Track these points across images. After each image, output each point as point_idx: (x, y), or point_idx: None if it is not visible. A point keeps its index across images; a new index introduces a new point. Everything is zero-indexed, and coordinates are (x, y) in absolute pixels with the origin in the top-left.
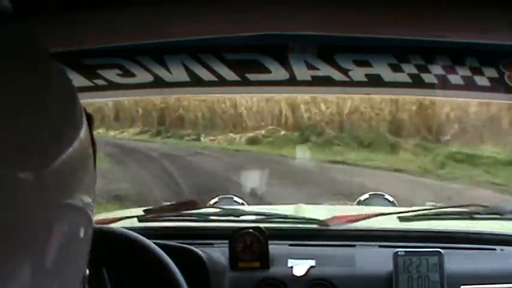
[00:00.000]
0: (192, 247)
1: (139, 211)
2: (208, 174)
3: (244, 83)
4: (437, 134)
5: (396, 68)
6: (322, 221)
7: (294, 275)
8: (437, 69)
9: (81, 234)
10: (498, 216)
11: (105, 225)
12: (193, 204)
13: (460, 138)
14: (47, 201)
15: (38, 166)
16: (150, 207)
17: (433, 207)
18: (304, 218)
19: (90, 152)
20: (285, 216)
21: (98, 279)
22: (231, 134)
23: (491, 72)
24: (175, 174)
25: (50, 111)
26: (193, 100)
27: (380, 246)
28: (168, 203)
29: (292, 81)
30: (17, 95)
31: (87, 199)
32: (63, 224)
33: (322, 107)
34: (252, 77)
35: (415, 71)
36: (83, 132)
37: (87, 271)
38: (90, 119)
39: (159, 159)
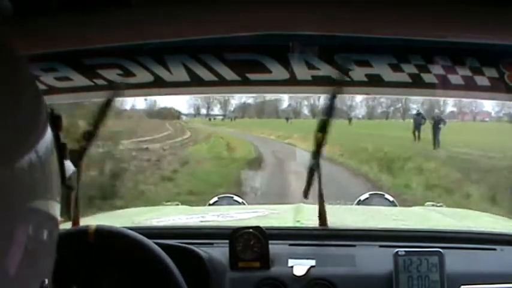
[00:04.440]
0: (192, 247)
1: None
2: None
3: (244, 83)
4: None
5: (396, 68)
6: (322, 221)
7: (294, 275)
8: (437, 69)
9: (45, 237)
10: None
11: (105, 225)
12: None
13: None
14: (8, 203)
15: None
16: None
17: (432, 206)
18: (304, 218)
19: (54, 156)
20: (285, 216)
21: (96, 279)
22: None
23: (491, 72)
24: None
25: (13, 114)
26: None
27: (380, 246)
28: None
29: (292, 81)
30: None
31: (52, 202)
32: (26, 227)
33: None
34: (252, 76)
35: (415, 71)
36: (46, 136)
37: (47, 281)
38: (57, 119)
39: None
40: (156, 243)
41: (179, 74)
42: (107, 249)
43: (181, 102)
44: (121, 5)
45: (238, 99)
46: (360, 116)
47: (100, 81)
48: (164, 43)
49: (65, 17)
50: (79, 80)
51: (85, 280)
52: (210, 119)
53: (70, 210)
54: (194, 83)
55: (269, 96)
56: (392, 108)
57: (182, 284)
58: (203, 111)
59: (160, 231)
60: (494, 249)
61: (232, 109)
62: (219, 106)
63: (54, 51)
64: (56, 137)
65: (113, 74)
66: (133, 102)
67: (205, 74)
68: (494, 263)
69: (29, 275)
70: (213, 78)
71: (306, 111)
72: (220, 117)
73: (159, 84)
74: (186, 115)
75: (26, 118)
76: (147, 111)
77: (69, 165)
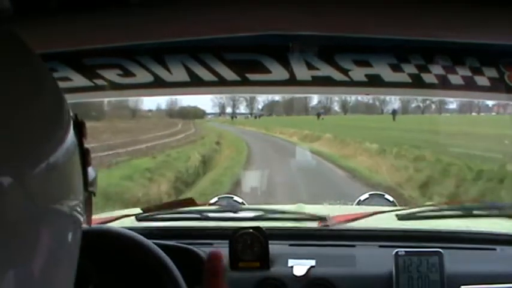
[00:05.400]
0: (192, 247)
1: (138, 211)
2: None
3: (244, 83)
4: None
5: (396, 68)
6: (322, 221)
7: (294, 275)
8: (437, 69)
9: (70, 239)
10: (496, 212)
11: (104, 225)
12: (191, 203)
13: None
14: (32, 206)
15: (20, 170)
16: (148, 206)
17: (432, 206)
18: (304, 218)
19: (77, 156)
20: (285, 216)
21: (93, 280)
22: None
23: (491, 72)
24: None
25: (35, 114)
26: None
27: (380, 246)
28: (166, 202)
29: (292, 81)
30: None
31: (75, 202)
32: (51, 229)
33: None
34: (252, 77)
35: (415, 71)
36: (69, 136)
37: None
38: (81, 125)
39: None
40: (156, 244)
41: (179, 74)
42: (99, 249)
43: (205, 100)
44: (121, 5)
45: (265, 96)
46: (389, 111)
47: (100, 81)
48: (164, 43)
49: (65, 17)
50: (79, 80)
51: (81, 282)
52: (232, 118)
53: (91, 216)
54: (194, 83)
55: (298, 94)
56: (428, 101)
57: (182, 284)
58: (229, 109)
59: (160, 231)
60: (494, 249)
61: (260, 107)
62: (245, 104)
63: (54, 51)
64: (80, 143)
65: (113, 74)
66: (155, 101)
67: (205, 74)
68: (494, 263)
69: (54, 278)
70: (213, 78)
71: (336, 107)
72: (246, 115)
73: (159, 84)
74: (211, 114)
75: (49, 118)
76: (169, 111)
77: (91, 171)
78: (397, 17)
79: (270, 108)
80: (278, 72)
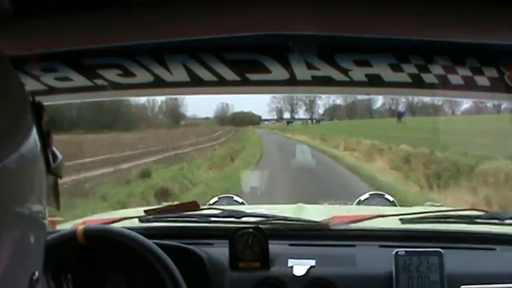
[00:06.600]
0: (192, 247)
1: (140, 211)
2: None
3: (244, 83)
4: None
5: (396, 68)
6: (322, 221)
7: (294, 275)
8: (437, 69)
9: (32, 241)
10: (497, 221)
11: (105, 225)
12: (194, 206)
13: None
14: None
15: None
16: (151, 208)
17: (433, 208)
18: (304, 218)
19: (40, 159)
20: (285, 216)
21: (94, 279)
22: None
23: (491, 72)
24: None
25: None
26: None
27: (380, 246)
28: (169, 204)
29: (292, 81)
30: None
31: (37, 206)
32: (11, 232)
33: None
34: (252, 77)
35: (415, 71)
36: (31, 138)
37: (37, 273)
38: (39, 107)
39: None
40: (157, 243)
41: (179, 74)
42: (99, 249)
43: (262, 106)
44: (121, 5)
45: (325, 99)
46: (459, 113)
47: (100, 81)
48: (164, 43)
49: (65, 17)
50: (79, 80)
51: (82, 282)
52: (288, 123)
53: (59, 201)
54: (194, 83)
55: (360, 96)
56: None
57: (182, 284)
58: (287, 114)
59: (161, 231)
60: (494, 249)
61: (321, 111)
62: (304, 108)
63: (54, 51)
64: (39, 126)
65: (113, 74)
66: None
67: (205, 74)
68: (494, 263)
69: (17, 279)
70: (213, 78)
71: (402, 109)
72: (305, 120)
73: (159, 84)
74: (268, 120)
75: (11, 119)
76: (221, 117)
77: (56, 153)
78: (397, 17)
79: (331, 113)
80: (278, 72)
